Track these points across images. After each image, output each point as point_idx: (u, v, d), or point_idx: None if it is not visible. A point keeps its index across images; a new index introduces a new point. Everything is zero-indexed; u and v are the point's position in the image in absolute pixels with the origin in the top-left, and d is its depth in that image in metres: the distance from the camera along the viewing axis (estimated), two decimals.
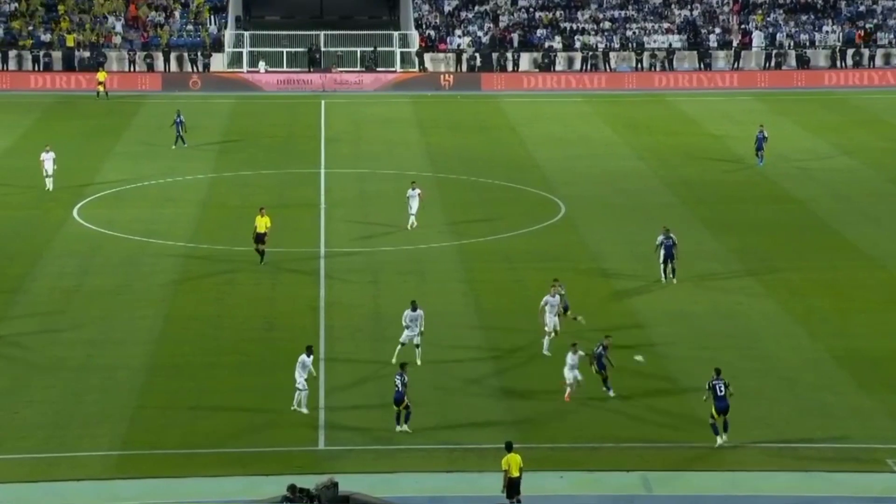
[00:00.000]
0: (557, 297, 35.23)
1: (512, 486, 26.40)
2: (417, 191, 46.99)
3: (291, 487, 24.76)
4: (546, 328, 35.05)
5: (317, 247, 45.11)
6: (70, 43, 79.39)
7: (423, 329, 34.18)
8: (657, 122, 68.80)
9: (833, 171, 57.63)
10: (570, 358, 31.96)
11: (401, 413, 30.15)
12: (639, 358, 33.67)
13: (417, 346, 34.09)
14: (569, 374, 31.92)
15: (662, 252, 40.87)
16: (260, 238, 42.64)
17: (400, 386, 30.06)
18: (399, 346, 34.02)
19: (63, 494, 27.58)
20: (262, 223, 42.73)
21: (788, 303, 39.62)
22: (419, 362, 33.71)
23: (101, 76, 74.57)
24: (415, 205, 46.71)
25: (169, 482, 28.07)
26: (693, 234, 46.68)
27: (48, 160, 52.18)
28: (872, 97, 76.35)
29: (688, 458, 29.43)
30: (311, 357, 31.30)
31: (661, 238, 41.32)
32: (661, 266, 40.92)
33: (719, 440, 29.61)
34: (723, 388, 29.87)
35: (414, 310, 34.08)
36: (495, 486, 26.80)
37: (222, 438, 30.09)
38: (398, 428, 30.13)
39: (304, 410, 30.94)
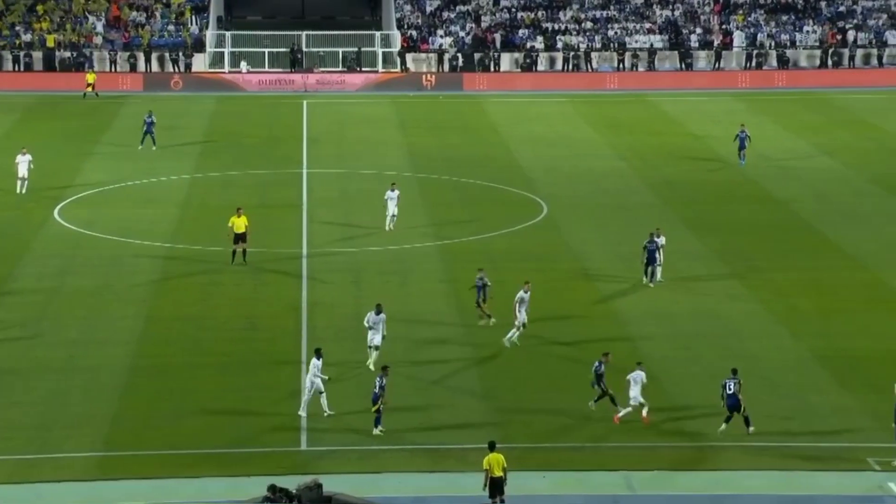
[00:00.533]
0: (529, 293, 35.64)
1: (495, 486, 26.41)
2: (396, 192, 46.95)
3: (272, 487, 24.70)
4: (516, 322, 35.51)
5: (299, 247, 45.05)
6: (50, 43, 79.11)
7: (385, 333, 33.97)
8: (639, 123, 68.92)
9: (814, 171, 57.82)
10: (636, 376, 30.85)
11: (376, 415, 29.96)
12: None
13: (376, 348, 33.78)
14: (633, 394, 30.74)
15: (645, 254, 40.91)
16: (240, 238, 42.55)
17: (377, 388, 29.93)
18: (370, 350, 33.83)
19: (45, 496, 27.49)
20: (241, 223, 42.68)
21: (771, 303, 39.73)
22: (372, 367, 33.33)
23: (89, 77, 74.27)
24: (393, 206, 46.64)
25: (152, 483, 28.01)
26: (675, 235, 46.74)
27: (23, 163, 51.59)
28: (853, 97, 76.63)
29: (671, 458, 29.48)
30: (321, 360, 31.05)
31: (659, 241, 41.23)
32: (643, 268, 40.95)
33: (751, 428, 30.21)
34: (732, 387, 30.16)
35: (378, 313, 33.85)
36: (478, 487, 26.80)
37: (205, 439, 30.02)
38: (374, 430, 30.04)
39: (327, 412, 30.84)
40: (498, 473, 26.39)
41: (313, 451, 29.64)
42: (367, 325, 34.06)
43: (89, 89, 73.48)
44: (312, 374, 30.90)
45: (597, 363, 31.61)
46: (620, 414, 30.85)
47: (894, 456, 28.92)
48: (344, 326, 37.41)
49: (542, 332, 36.82)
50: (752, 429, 30.26)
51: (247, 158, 59.81)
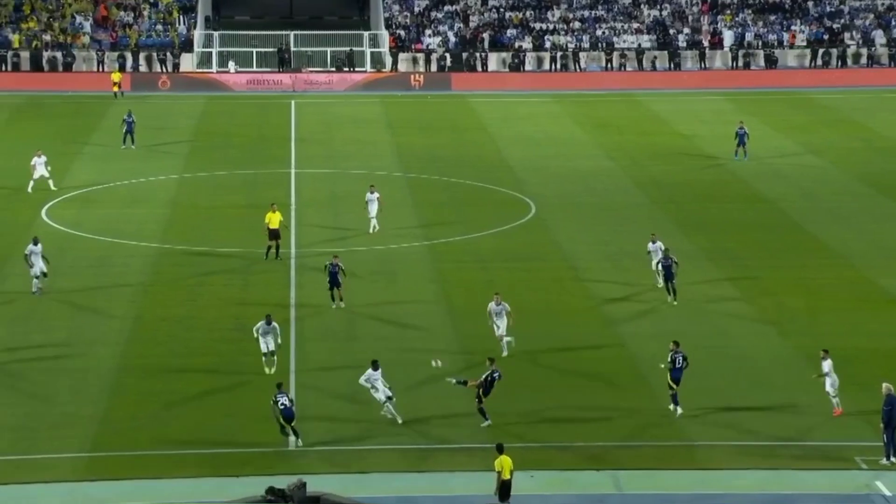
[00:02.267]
0: (502, 306, 34.94)
1: (504, 489, 26.35)
2: (376, 194, 46.86)
3: (270, 490, 24.83)
4: (496, 334, 35.02)
5: (287, 247, 45.01)
6: (38, 43, 78.92)
7: (280, 342, 33.66)
8: (627, 122, 68.99)
9: (802, 169, 57.95)
10: (826, 365, 31.03)
11: (294, 429, 29.53)
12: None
13: (272, 353, 33.42)
14: (828, 385, 30.94)
15: (661, 271, 39.55)
16: (274, 234, 42.70)
17: (287, 403, 29.41)
18: (264, 359, 33.38)
19: (33, 497, 27.42)
20: (275, 219, 42.84)
21: (759, 302, 39.80)
22: (271, 371, 33.16)
23: (115, 77, 74.09)
24: (374, 208, 46.56)
25: (140, 483, 27.96)
26: (663, 234, 46.73)
27: (39, 164, 51.68)
28: (840, 97, 76.80)
29: (658, 456, 29.52)
30: (379, 370, 30.68)
31: (651, 247, 40.56)
32: (663, 285, 39.49)
33: (679, 410, 30.91)
34: (681, 361, 31.13)
35: (269, 323, 33.50)
36: (466, 486, 26.82)
37: (193, 439, 29.99)
38: (298, 442, 29.54)
39: (398, 419, 30.76)
40: (507, 476, 26.34)
41: (301, 451, 29.60)
42: (256, 335, 33.35)
43: (116, 88, 73.28)
44: (380, 385, 30.52)
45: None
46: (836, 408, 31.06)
47: (882, 454, 28.98)
48: (332, 326, 37.40)
49: (531, 331, 36.84)
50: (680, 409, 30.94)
51: (235, 158, 59.75)
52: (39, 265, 39.31)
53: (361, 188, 52.56)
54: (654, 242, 41.02)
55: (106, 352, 35.23)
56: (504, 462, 26.38)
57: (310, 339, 36.44)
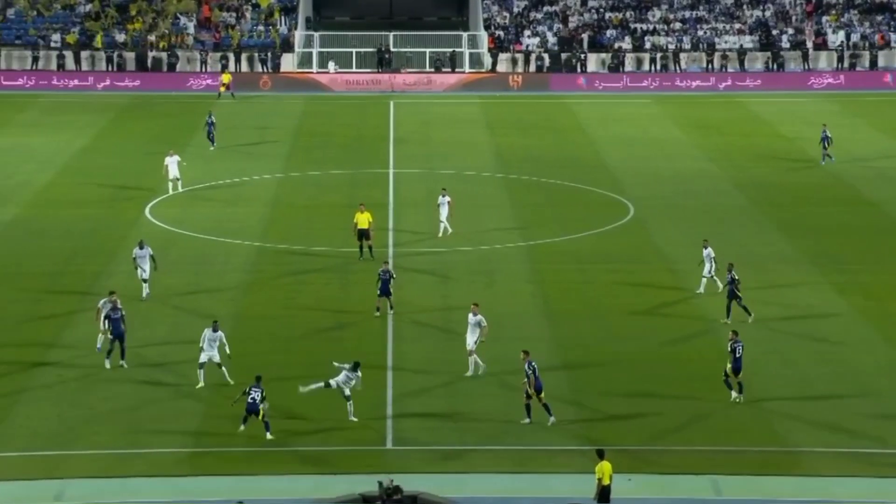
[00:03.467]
0: (478, 318, 33.53)
1: (604, 494, 26.23)
2: (447, 198, 46.73)
3: (363, 497, 25.23)
4: (467, 346, 33.52)
5: (385, 247, 45.19)
6: (145, 44, 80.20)
7: (230, 353, 33.01)
8: (728, 124, 68.23)
9: None
10: None
11: (264, 418, 29.86)
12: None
13: (219, 365, 32.82)
14: None
15: (727, 291, 37.40)
16: (363, 234, 42.88)
17: (257, 398, 29.68)
18: (200, 370, 32.78)
19: (135, 490, 27.86)
20: (363, 219, 42.98)
21: (863, 306, 39.10)
22: (230, 379, 32.66)
23: (225, 78, 75.08)
24: (444, 212, 46.42)
25: (238, 480, 28.24)
26: (765, 237, 46.26)
27: (172, 163, 52.03)
28: None
29: (758, 461, 29.14)
30: (358, 372, 30.75)
31: (704, 253, 39.62)
32: (727, 303, 37.28)
33: (734, 394, 31.38)
34: (740, 350, 31.33)
35: (215, 331, 33.00)
36: (565, 488, 26.67)
37: (292, 437, 30.22)
38: (268, 436, 29.83)
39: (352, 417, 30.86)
40: (607, 482, 26.21)
41: (398, 450, 29.69)
42: (201, 345, 32.73)
43: (223, 89, 74.29)
44: (344, 381, 30.66)
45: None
46: None
47: None
48: (430, 327, 37.44)
49: (632, 333, 36.59)
50: (742, 397, 31.39)
51: (334, 158, 60.16)
52: (145, 268, 39.29)
53: (459, 188, 52.63)
54: (705, 248, 40.03)
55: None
56: (604, 468, 26.24)
57: (407, 339, 36.53)
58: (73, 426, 30.82)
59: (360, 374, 30.98)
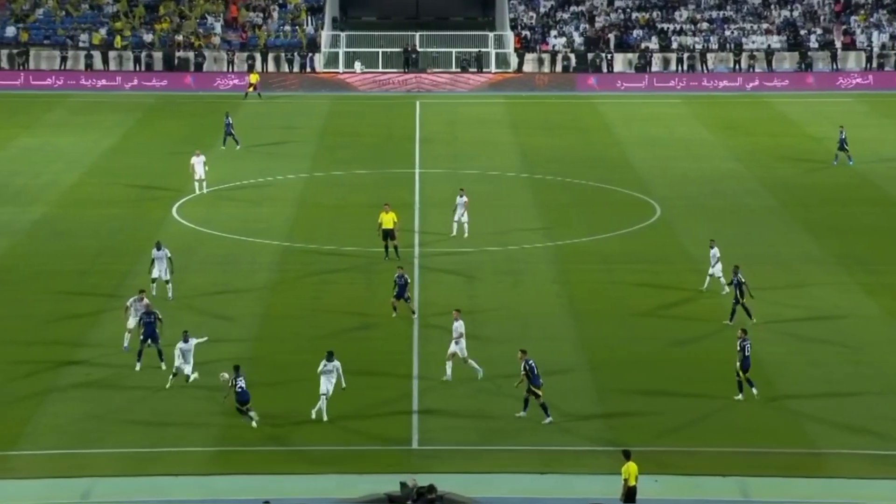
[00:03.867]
0: (459, 323, 33.30)
1: (630, 495, 26.18)
2: (465, 198, 46.60)
3: (388, 497, 25.25)
4: (460, 354, 33.21)
5: (411, 247, 45.20)
6: (173, 44, 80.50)
7: (191, 362, 32.87)
8: (755, 124, 67.96)
9: None
10: None
11: (249, 410, 30.39)
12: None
13: (187, 378, 32.73)
14: None
15: (735, 292, 37.10)
16: (388, 234, 42.91)
17: (245, 386, 30.29)
18: (171, 377, 32.76)
19: (162, 489, 27.94)
20: (388, 219, 42.99)
21: (891, 307, 38.87)
22: (196, 375, 32.73)
23: (253, 78, 75.27)
24: (459, 212, 46.28)
25: (264, 478, 28.28)
26: (793, 238, 46.07)
27: (199, 163, 52.08)
28: None
29: (785, 463, 29.00)
30: (334, 362, 30.94)
31: (711, 252, 39.43)
32: (733, 305, 37.05)
33: (740, 395, 31.40)
34: (749, 349, 31.55)
35: (185, 341, 32.81)
36: (590, 488, 26.59)
37: (317, 436, 30.25)
38: (253, 423, 30.27)
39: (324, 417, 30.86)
40: (633, 483, 26.16)
41: (424, 450, 29.69)
42: (175, 353, 32.61)
43: (251, 89, 74.48)
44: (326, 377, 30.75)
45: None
46: None
47: None
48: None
49: (658, 334, 36.48)
50: (756, 390, 31.51)
51: (360, 158, 60.21)
52: (162, 269, 39.19)
53: (485, 189, 52.63)
54: (712, 248, 39.86)
55: (233, 349, 35.68)
56: (630, 469, 26.18)
57: (433, 340, 36.50)
58: (100, 425, 30.95)
59: (337, 363, 31.04)
